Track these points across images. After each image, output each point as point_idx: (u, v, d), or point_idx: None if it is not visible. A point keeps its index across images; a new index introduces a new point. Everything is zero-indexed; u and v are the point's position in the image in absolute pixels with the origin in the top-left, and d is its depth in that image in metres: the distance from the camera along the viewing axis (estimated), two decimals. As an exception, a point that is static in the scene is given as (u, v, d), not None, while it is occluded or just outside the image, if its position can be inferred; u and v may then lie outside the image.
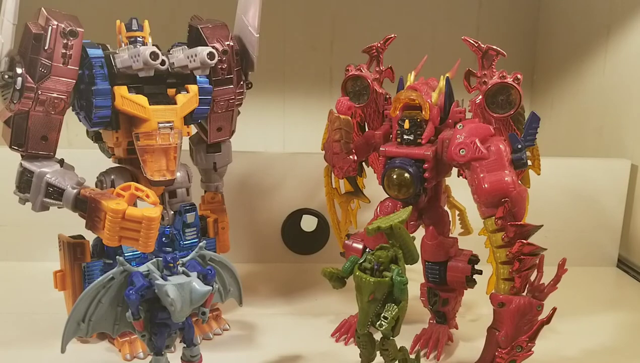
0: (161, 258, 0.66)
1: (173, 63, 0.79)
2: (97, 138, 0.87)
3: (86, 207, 0.72)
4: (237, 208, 1.14)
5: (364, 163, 0.95)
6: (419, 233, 0.82)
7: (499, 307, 0.74)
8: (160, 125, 0.78)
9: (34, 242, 1.16)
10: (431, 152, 0.79)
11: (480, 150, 0.74)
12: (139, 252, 0.78)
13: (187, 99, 0.81)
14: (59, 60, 0.73)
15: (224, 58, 0.84)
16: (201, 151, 0.93)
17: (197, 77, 0.82)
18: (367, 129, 0.92)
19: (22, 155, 0.76)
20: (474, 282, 0.85)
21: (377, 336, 0.71)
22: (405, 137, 0.80)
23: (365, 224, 0.74)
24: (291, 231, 1.23)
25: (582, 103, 1.46)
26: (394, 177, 0.79)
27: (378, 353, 0.72)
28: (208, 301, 0.68)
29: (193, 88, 0.82)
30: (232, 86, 0.86)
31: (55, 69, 0.73)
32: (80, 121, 0.81)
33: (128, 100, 0.77)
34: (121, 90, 0.77)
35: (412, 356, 0.76)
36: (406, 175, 0.79)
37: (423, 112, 0.79)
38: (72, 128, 1.00)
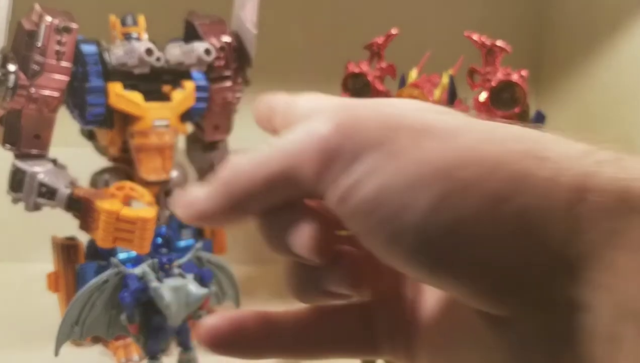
0: (156, 260, 0.65)
1: (169, 59, 0.78)
2: (90, 136, 0.85)
3: (80, 207, 0.71)
4: (236, 208, 1.13)
5: (364, 162, 0.94)
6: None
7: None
8: (156, 123, 0.77)
9: (31, 242, 1.15)
10: (433, 151, 0.78)
11: (483, 149, 0.72)
12: (134, 253, 0.76)
13: (184, 97, 0.80)
14: (52, 57, 0.72)
15: (221, 55, 0.83)
16: (198, 150, 0.92)
17: (194, 73, 0.81)
18: (367, 128, 0.91)
19: (14, 154, 0.74)
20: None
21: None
22: (407, 135, 0.79)
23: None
24: (290, 231, 1.22)
25: (589, 101, 1.45)
26: (396, 176, 0.78)
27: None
28: (205, 304, 0.67)
29: (189, 85, 0.81)
30: (229, 83, 0.85)
31: (48, 65, 0.72)
32: (74, 119, 0.80)
33: (123, 97, 0.76)
34: (116, 88, 0.76)
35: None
36: (408, 174, 0.77)
37: (425, 110, 0.78)
38: (69, 127, 0.99)
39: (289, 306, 1.04)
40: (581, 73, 1.47)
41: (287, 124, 0.27)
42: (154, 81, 0.79)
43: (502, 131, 0.24)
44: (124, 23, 0.79)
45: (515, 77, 0.76)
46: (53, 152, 0.77)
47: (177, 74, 0.81)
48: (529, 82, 0.80)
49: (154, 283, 0.63)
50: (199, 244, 0.71)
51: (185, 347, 0.69)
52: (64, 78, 0.73)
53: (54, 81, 0.73)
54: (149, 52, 0.74)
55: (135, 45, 0.74)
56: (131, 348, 0.81)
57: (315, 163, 0.24)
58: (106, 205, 0.68)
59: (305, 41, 1.59)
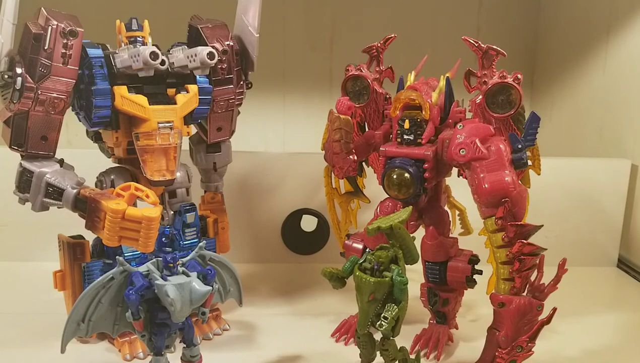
0: (161, 259, 0.66)
1: (173, 63, 0.79)
2: (96, 138, 0.87)
3: (86, 207, 0.72)
4: (237, 208, 1.14)
5: (364, 163, 0.95)
6: (419, 233, 0.82)
7: (499, 307, 0.74)
8: (160, 125, 0.78)
9: (34, 242, 1.16)
10: (431, 152, 0.79)
11: (480, 150, 0.74)
12: (138, 252, 0.77)
13: (187, 99, 0.81)
14: (58, 60, 0.73)
15: (224, 58, 0.84)
16: (201, 151, 0.93)
17: (197, 77, 0.82)
18: (367, 129, 0.92)
19: (21, 155, 0.76)
20: (474, 282, 0.85)
21: (377, 336, 0.71)
22: (405, 137, 0.80)
23: (365, 224, 0.73)
24: (291, 231, 1.23)
25: (582, 103, 1.46)
26: (394, 177, 0.79)
27: (378, 353, 0.72)
28: (208, 301, 0.68)
29: (193, 88, 0.82)
30: (232, 86, 0.86)
31: (54, 68, 0.73)
32: (80, 121, 0.81)
33: (128, 100, 0.77)
34: (121, 90, 0.77)
35: (412, 356, 0.76)
36: (406, 175, 0.79)
37: (423, 112, 0.79)
38: (72, 128, 1.00)
39: (290, 303, 1.06)
40: (574, 76, 1.49)
41: None
42: (159, 84, 0.80)
43: None
44: (129, 27, 0.80)
45: (510, 80, 0.77)
46: (59, 153, 0.78)
47: (181, 77, 0.82)
48: (524, 85, 0.81)
49: (159, 281, 0.64)
50: (203, 243, 0.72)
51: (188, 343, 0.70)
52: (70, 81, 0.74)
53: (60, 84, 0.74)
54: (153, 55, 0.75)
55: (140, 49, 0.74)
56: (136, 345, 0.83)
57: None
58: (112, 204, 0.69)
59: (306, 44, 1.61)
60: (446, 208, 0.90)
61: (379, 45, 0.89)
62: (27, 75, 0.72)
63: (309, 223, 1.24)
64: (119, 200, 0.70)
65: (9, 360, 0.83)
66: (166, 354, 0.69)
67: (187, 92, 0.82)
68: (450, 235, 0.89)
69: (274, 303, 1.04)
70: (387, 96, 0.90)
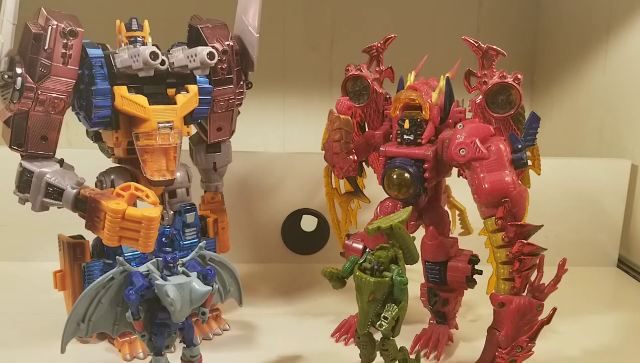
0: (161, 259, 0.66)
1: (173, 63, 0.79)
2: (96, 138, 0.87)
3: (86, 207, 0.72)
4: (237, 208, 1.14)
5: (364, 163, 0.95)
6: (419, 233, 0.82)
7: (499, 307, 0.74)
8: (160, 125, 0.78)
9: (34, 242, 1.16)
10: (431, 152, 0.79)
11: (480, 150, 0.74)
12: (138, 252, 0.77)
13: (187, 99, 0.81)
14: (58, 60, 0.73)
15: (224, 58, 0.84)
16: (201, 151, 0.93)
17: (197, 77, 0.82)
18: (367, 129, 0.92)
19: (21, 155, 0.76)
20: (474, 282, 0.85)
21: (377, 336, 0.71)
22: (405, 137, 0.80)
23: (365, 224, 0.73)
24: (291, 231, 1.23)
25: (582, 103, 1.46)
26: (394, 177, 0.79)
27: (378, 353, 0.72)
28: (208, 301, 0.68)
29: (193, 88, 0.82)
30: (232, 86, 0.86)
31: (55, 68, 0.73)
32: (80, 121, 0.81)
33: (128, 100, 0.77)
34: (121, 90, 0.77)
35: (412, 356, 0.76)
36: (406, 175, 0.79)
37: (423, 112, 0.79)
38: (72, 128, 1.00)
39: (290, 303, 1.06)
40: (574, 76, 1.49)
41: None
42: (159, 84, 0.80)
43: None
44: (129, 27, 0.80)
45: (510, 80, 0.77)
46: (59, 153, 0.78)
47: (181, 77, 0.82)
48: (524, 85, 0.81)
49: (159, 281, 0.64)
50: (203, 243, 0.72)
51: (188, 343, 0.70)
52: (70, 81, 0.74)
53: (60, 84, 0.74)
54: (153, 55, 0.75)
55: (140, 49, 0.74)
56: (136, 345, 0.83)
57: None
58: (112, 204, 0.69)
59: (306, 44, 1.61)
60: (446, 208, 0.90)
61: (379, 45, 0.89)
62: (27, 75, 0.72)
63: (309, 223, 1.24)
64: (119, 200, 0.70)
65: (9, 360, 0.83)
66: (166, 354, 0.69)
67: (187, 92, 0.81)
68: (450, 235, 0.89)
69: (274, 303, 1.04)
70: (387, 96, 0.90)
